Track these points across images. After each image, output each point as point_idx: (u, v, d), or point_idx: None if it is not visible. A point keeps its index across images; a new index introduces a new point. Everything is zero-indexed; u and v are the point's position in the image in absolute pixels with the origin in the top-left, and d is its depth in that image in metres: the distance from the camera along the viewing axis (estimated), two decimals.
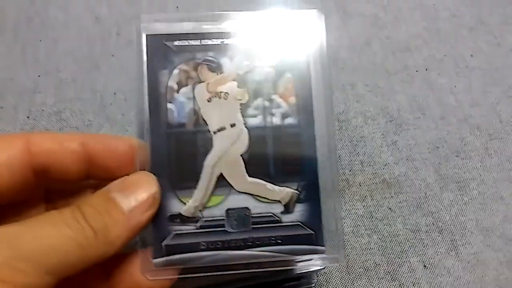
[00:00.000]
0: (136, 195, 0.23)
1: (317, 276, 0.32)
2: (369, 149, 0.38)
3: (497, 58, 0.44)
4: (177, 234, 0.25)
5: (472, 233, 0.34)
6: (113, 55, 0.43)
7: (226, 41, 0.28)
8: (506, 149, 0.38)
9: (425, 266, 0.33)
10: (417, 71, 0.43)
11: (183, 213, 0.25)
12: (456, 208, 0.35)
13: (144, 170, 0.25)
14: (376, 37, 0.46)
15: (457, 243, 0.34)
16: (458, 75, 0.43)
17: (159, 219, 0.25)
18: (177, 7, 0.48)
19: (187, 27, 0.28)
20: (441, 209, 0.35)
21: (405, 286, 0.32)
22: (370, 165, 0.37)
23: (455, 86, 0.42)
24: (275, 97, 0.27)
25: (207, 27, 0.28)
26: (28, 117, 0.38)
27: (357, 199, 0.36)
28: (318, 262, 0.26)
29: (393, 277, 0.32)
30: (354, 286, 0.32)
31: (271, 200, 0.26)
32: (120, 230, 0.22)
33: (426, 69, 0.43)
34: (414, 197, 0.36)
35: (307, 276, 0.31)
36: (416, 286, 0.32)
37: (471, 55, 0.45)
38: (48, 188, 0.27)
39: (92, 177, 0.26)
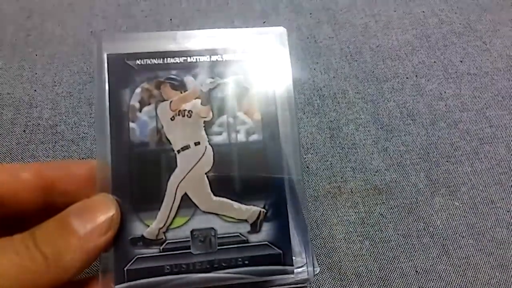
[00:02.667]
0: (93, 218, 0.23)
1: (310, 284, 0.32)
2: (361, 156, 0.39)
3: (486, 63, 0.45)
4: (139, 257, 0.24)
5: (463, 237, 0.34)
6: None
7: (189, 59, 0.27)
8: (496, 153, 0.39)
9: (416, 271, 0.33)
10: (407, 78, 0.44)
11: (146, 236, 0.25)
12: (447, 213, 0.35)
13: (105, 192, 0.24)
14: (366, 45, 0.47)
15: (448, 247, 0.34)
16: (448, 80, 0.44)
17: (121, 242, 0.24)
18: (171, 19, 0.49)
19: (149, 46, 0.27)
20: (432, 214, 0.35)
21: None
22: (361, 172, 0.38)
23: (445, 92, 0.43)
24: (240, 113, 0.27)
25: (169, 46, 0.28)
26: (24, 131, 0.39)
27: (349, 206, 0.36)
28: (287, 282, 0.25)
29: (385, 282, 0.33)
30: None
31: (237, 219, 0.26)
32: (74, 255, 0.22)
33: (416, 76, 0.44)
34: (405, 202, 0.36)
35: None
36: None
37: (461, 61, 0.45)
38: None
39: (53, 205, 0.25)
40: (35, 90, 0.42)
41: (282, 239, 0.26)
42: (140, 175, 0.25)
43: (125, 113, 0.26)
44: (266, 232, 0.26)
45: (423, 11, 0.50)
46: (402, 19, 0.49)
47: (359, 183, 0.37)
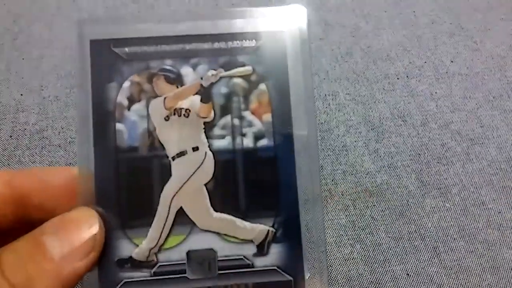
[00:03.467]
0: (72, 237, 0.19)
1: None
2: (351, 158, 0.38)
3: (477, 63, 0.45)
4: (127, 282, 0.21)
5: (454, 239, 0.34)
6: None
7: (187, 46, 0.23)
8: (487, 154, 0.39)
9: (408, 274, 0.33)
10: (398, 78, 0.44)
11: (134, 257, 0.21)
12: (438, 214, 0.35)
13: (87, 205, 0.21)
14: (357, 46, 0.46)
15: (439, 250, 0.34)
16: (439, 81, 0.43)
17: (106, 264, 0.21)
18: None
19: (140, 30, 0.23)
20: (423, 216, 0.35)
21: None
22: (352, 174, 0.37)
23: (435, 92, 0.43)
24: (247, 113, 0.23)
25: (164, 30, 0.23)
26: (11, 137, 0.38)
27: (340, 209, 0.36)
28: None
29: (376, 286, 0.32)
30: None
31: (241, 239, 0.22)
32: (49, 283, 0.18)
33: (407, 77, 0.44)
34: (396, 205, 0.36)
35: None
36: None
37: (451, 61, 0.45)
38: None
39: (27, 221, 0.22)
40: (21, 94, 0.41)
41: (293, 264, 0.22)
42: (128, 185, 0.22)
43: (111, 112, 0.22)
44: (275, 255, 0.22)
45: (414, 11, 0.49)
46: (393, 20, 0.49)
47: (350, 185, 0.37)
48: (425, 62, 0.45)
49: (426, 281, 0.33)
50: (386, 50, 0.46)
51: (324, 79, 0.44)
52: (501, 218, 0.35)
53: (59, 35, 0.47)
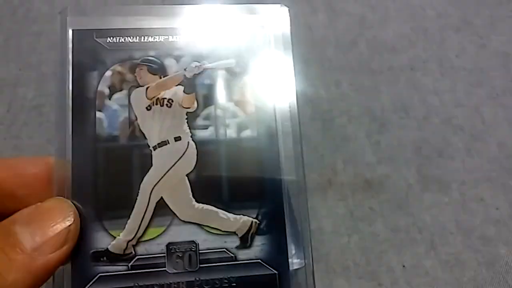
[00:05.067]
0: (45, 228, 0.18)
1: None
2: (352, 149, 0.38)
3: (482, 59, 0.44)
4: (102, 276, 0.20)
5: (451, 233, 0.34)
6: None
7: (171, 38, 0.23)
8: (488, 150, 0.38)
9: (404, 266, 0.33)
10: (402, 71, 0.43)
11: (111, 250, 0.20)
12: (436, 208, 0.35)
13: (62, 195, 0.20)
14: (363, 36, 0.46)
15: (436, 243, 0.34)
16: (443, 75, 0.43)
17: (80, 257, 0.20)
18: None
19: (123, 21, 0.23)
20: (421, 209, 0.35)
21: (384, 286, 0.32)
22: (352, 165, 0.37)
23: (439, 87, 0.42)
24: (230, 105, 0.23)
25: (148, 22, 0.23)
26: (8, 111, 0.38)
27: (339, 199, 0.35)
28: None
29: (372, 277, 0.33)
30: (333, 286, 0.32)
31: (224, 231, 0.21)
32: (19, 275, 0.17)
33: (411, 69, 0.43)
34: (395, 197, 0.36)
35: None
36: (394, 286, 0.32)
37: (456, 56, 0.45)
38: None
39: (1, 211, 0.21)
40: (20, 69, 0.40)
41: (278, 256, 0.21)
42: (107, 175, 0.21)
43: (91, 100, 0.22)
44: (258, 247, 0.21)
45: (421, 4, 0.49)
46: (400, 11, 0.48)
47: (350, 176, 0.37)
48: (430, 55, 0.44)
49: (422, 273, 0.33)
50: (391, 41, 0.45)
51: (328, 68, 0.43)
52: (498, 214, 0.35)
53: (59, 10, 0.46)
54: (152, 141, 0.22)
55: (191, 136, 0.22)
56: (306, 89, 0.42)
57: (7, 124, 0.37)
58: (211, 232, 0.21)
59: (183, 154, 0.22)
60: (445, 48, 0.45)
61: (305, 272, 0.22)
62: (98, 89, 0.22)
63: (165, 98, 0.23)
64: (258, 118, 0.23)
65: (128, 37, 0.23)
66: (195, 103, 0.23)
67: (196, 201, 0.22)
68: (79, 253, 0.20)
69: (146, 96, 0.23)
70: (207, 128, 0.23)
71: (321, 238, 0.34)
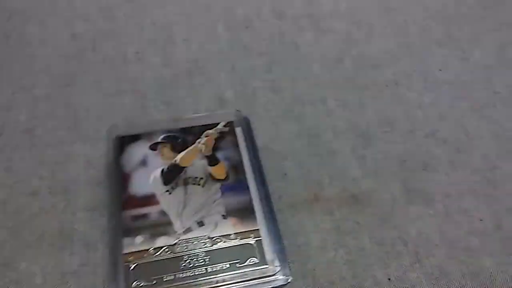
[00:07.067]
0: None
1: None
2: (338, 164, 0.39)
3: (465, 72, 0.45)
4: None
5: (436, 245, 0.35)
6: (88, 71, 0.44)
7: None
8: (471, 162, 0.39)
9: (389, 279, 0.33)
10: (386, 85, 0.44)
11: None
12: (421, 221, 0.36)
13: None
14: (348, 53, 0.47)
15: (421, 255, 0.34)
16: (427, 89, 0.44)
17: None
18: (154, 23, 0.49)
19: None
20: (407, 222, 0.36)
21: None
22: (338, 180, 0.38)
23: (423, 101, 0.43)
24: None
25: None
26: (1, 134, 0.39)
27: (325, 213, 0.36)
28: None
29: None
30: None
31: None
32: None
33: (396, 84, 0.44)
34: (381, 211, 0.36)
35: None
36: None
37: (440, 70, 0.46)
38: None
39: None
40: (13, 93, 0.41)
41: None
42: None
43: None
44: None
45: (405, 20, 0.50)
46: (384, 28, 0.49)
47: (336, 190, 0.37)
48: (414, 70, 0.46)
49: (407, 286, 0.33)
50: (376, 57, 0.47)
51: (314, 84, 0.44)
52: (482, 226, 0.36)
53: (52, 34, 0.47)
54: None
55: None
56: (293, 105, 0.43)
57: (0, 147, 0.38)
58: None
59: None
60: (429, 63, 0.46)
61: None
62: None
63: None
64: None
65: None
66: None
67: None
68: None
69: None
70: None
71: (307, 253, 0.34)
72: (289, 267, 0.31)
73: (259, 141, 0.39)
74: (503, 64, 0.46)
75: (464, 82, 0.45)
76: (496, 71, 0.46)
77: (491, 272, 0.34)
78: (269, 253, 0.30)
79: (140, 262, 0.28)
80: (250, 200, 0.32)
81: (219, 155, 0.33)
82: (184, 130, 0.34)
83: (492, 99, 0.44)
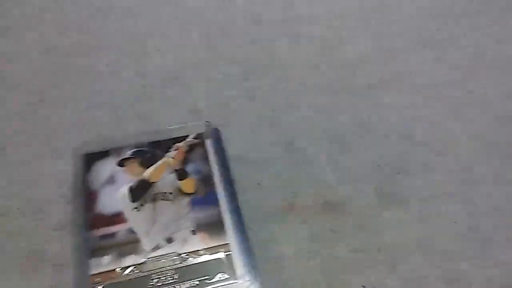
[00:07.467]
0: None
1: None
2: (313, 171, 0.39)
3: (440, 74, 0.45)
4: None
5: (411, 251, 0.34)
6: (60, 86, 0.44)
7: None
8: (446, 165, 0.39)
9: (363, 286, 0.33)
10: (361, 90, 0.44)
11: None
12: (396, 226, 0.36)
13: None
14: (323, 58, 0.47)
15: (397, 261, 0.34)
16: (402, 92, 0.44)
17: None
18: (150, 35, 0.48)
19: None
20: (382, 228, 0.36)
21: None
22: (313, 187, 0.38)
23: (399, 104, 0.43)
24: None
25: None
26: None
27: (300, 222, 0.36)
28: None
29: None
30: None
31: None
32: None
33: (371, 88, 0.44)
34: (355, 217, 0.36)
35: None
36: None
37: (415, 72, 0.46)
38: None
39: None
40: None
41: None
42: None
43: None
44: None
45: (381, 24, 0.50)
46: (360, 32, 0.49)
47: (311, 198, 0.37)
48: (390, 73, 0.45)
49: None
50: (351, 61, 0.46)
51: (290, 90, 0.44)
52: (457, 228, 0.36)
53: (24, 51, 0.47)
54: None
55: None
56: (267, 113, 0.43)
57: None
58: None
59: None
60: (404, 65, 0.46)
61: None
62: None
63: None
64: None
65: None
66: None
67: None
68: None
69: None
70: None
71: (282, 264, 0.34)
72: (261, 280, 0.31)
73: (233, 151, 0.39)
74: (479, 65, 0.46)
75: (438, 84, 0.45)
76: (470, 72, 0.45)
77: (468, 276, 0.33)
78: (239, 267, 0.29)
79: (107, 282, 0.27)
80: (220, 214, 0.31)
81: (189, 168, 0.33)
82: (153, 144, 0.34)
83: (467, 100, 0.43)
